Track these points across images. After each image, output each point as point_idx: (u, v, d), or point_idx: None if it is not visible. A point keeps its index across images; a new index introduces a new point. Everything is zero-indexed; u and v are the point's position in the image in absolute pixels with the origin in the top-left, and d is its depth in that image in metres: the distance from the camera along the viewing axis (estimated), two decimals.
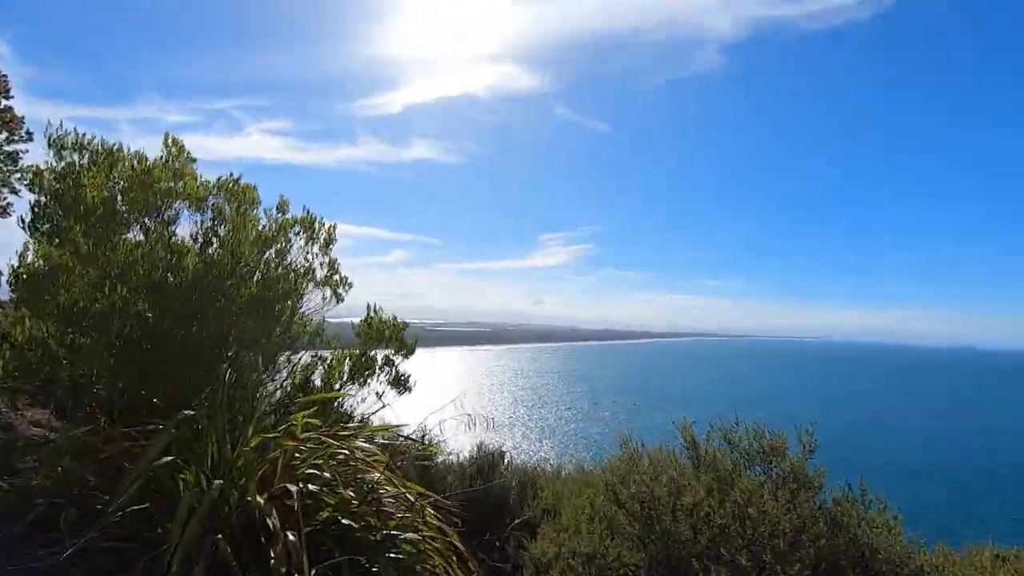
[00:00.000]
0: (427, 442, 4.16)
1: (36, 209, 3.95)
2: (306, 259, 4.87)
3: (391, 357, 5.03)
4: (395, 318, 5.06)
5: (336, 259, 5.07)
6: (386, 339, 4.98)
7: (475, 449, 5.59)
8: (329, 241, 5.01)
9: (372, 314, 5.03)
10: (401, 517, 2.50)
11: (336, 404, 4.44)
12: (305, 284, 4.78)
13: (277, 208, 4.81)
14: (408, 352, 5.10)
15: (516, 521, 4.69)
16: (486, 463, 5.43)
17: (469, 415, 3.71)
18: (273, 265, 4.57)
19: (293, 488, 2.27)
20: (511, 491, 5.27)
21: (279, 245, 4.66)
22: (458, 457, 5.58)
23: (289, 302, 4.54)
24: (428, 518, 2.66)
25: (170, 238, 4.21)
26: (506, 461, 5.80)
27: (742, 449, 4.51)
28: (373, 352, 4.92)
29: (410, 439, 3.85)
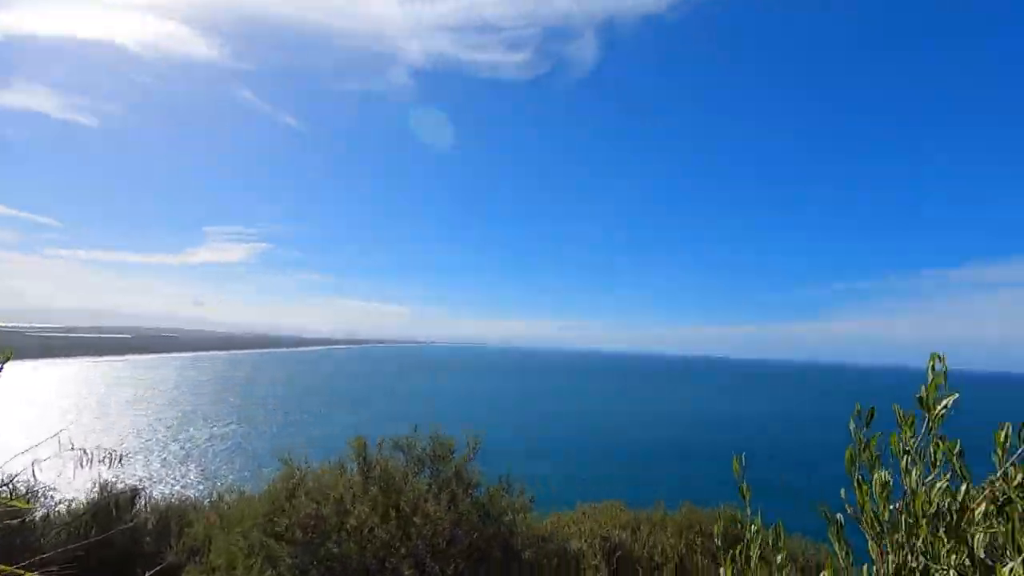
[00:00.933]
0: (13, 494, 3.05)
1: None
2: None
3: None
4: None
5: None
6: None
7: (94, 491, 4.41)
8: None
9: None
10: None
11: None
12: None
13: None
14: None
15: (156, 569, 3.86)
16: (109, 505, 4.33)
17: (84, 450, 2.87)
18: None
19: None
20: (145, 534, 4.33)
21: None
22: (69, 506, 4.30)
23: None
24: None
25: None
26: (141, 499, 4.75)
27: (415, 455, 4.78)
28: None
29: None
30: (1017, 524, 2.17)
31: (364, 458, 4.12)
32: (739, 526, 3.13)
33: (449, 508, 3.44)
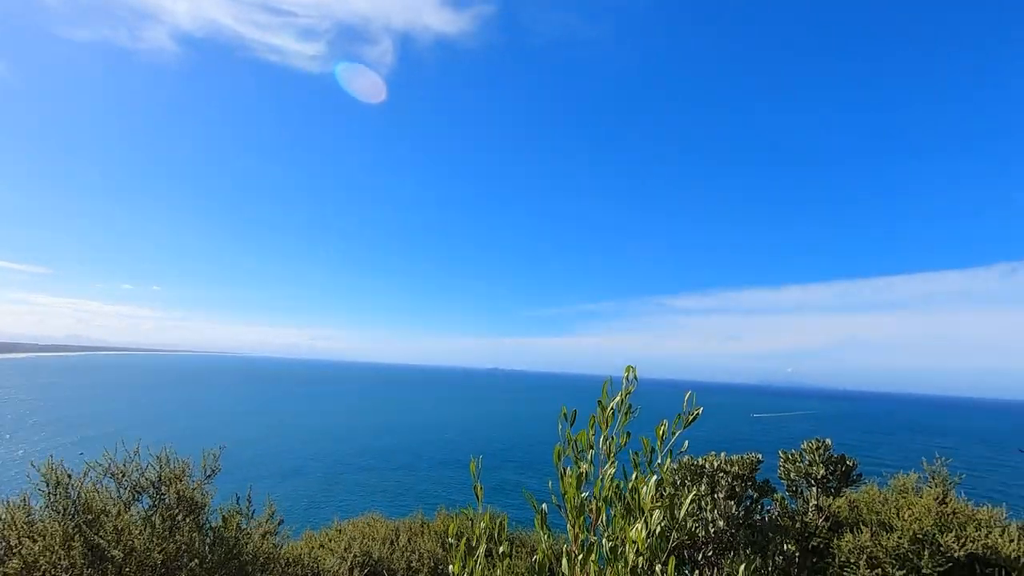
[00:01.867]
0: None
1: None
2: None
3: None
4: None
5: None
6: None
7: None
8: None
9: None
10: None
11: None
12: None
13: None
14: None
15: None
16: None
17: None
18: None
19: None
20: None
21: None
22: None
23: None
24: None
25: None
26: None
27: (131, 482, 4.10)
28: None
29: None
30: (650, 500, 2.83)
31: (57, 488, 3.41)
32: (471, 524, 3.44)
33: (168, 538, 3.04)
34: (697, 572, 5.10)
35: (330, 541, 7.71)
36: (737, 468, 6.41)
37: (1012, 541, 5.28)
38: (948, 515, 5.42)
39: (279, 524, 4.83)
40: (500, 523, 3.03)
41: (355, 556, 7.38)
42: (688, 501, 2.90)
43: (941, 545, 4.90)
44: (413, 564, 8.25)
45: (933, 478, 6.64)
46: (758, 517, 6.31)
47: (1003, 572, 5.09)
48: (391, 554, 8.40)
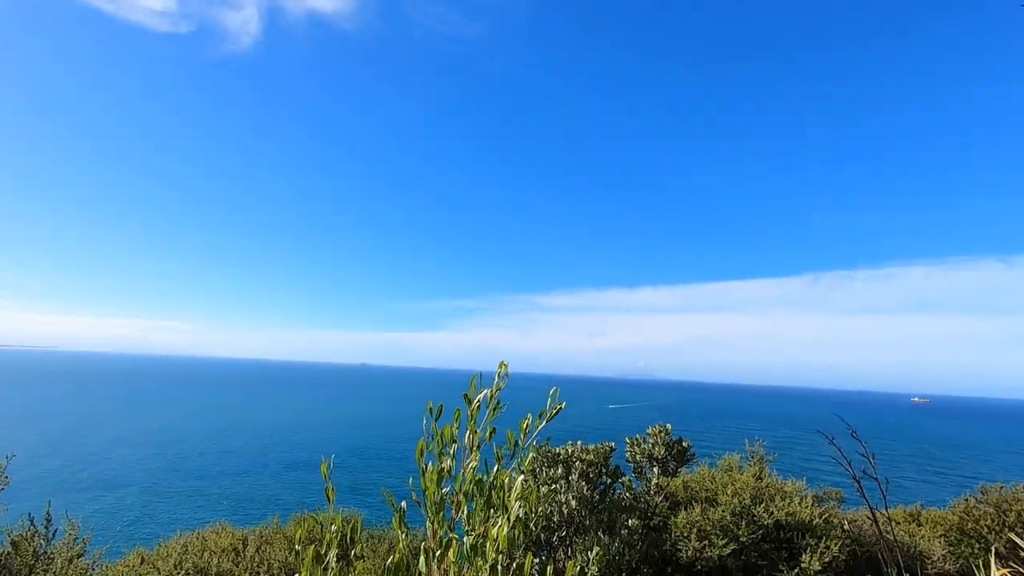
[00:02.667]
0: None
1: None
2: None
3: None
4: None
5: None
6: None
7: None
8: None
9: None
10: None
11: None
12: None
13: None
14: None
15: None
16: None
17: None
18: None
19: None
20: None
21: None
22: None
23: None
24: None
25: None
26: None
27: None
28: None
29: None
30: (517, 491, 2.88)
31: None
32: (321, 528, 3.23)
33: None
34: (547, 554, 5.33)
35: (159, 559, 6.84)
36: (592, 456, 6.82)
37: (807, 508, 6.27)
38: (763, 489, 6.28)
39: (86, 545, 4.16)
40: (353, 525, 2.86)
41: (188, 571, 6.61)
42: (541, 489, 2.98)
43: (755, 515, 5.64)
44: (261, 575, 7.63)
45: (752, 457, 7.65)
46: (608, 499, 6.78)
47: (799, 533, 6.00)
48: (236, 566, 7.68)
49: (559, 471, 5.73)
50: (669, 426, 6.31)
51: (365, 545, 6.78)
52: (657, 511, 5.91)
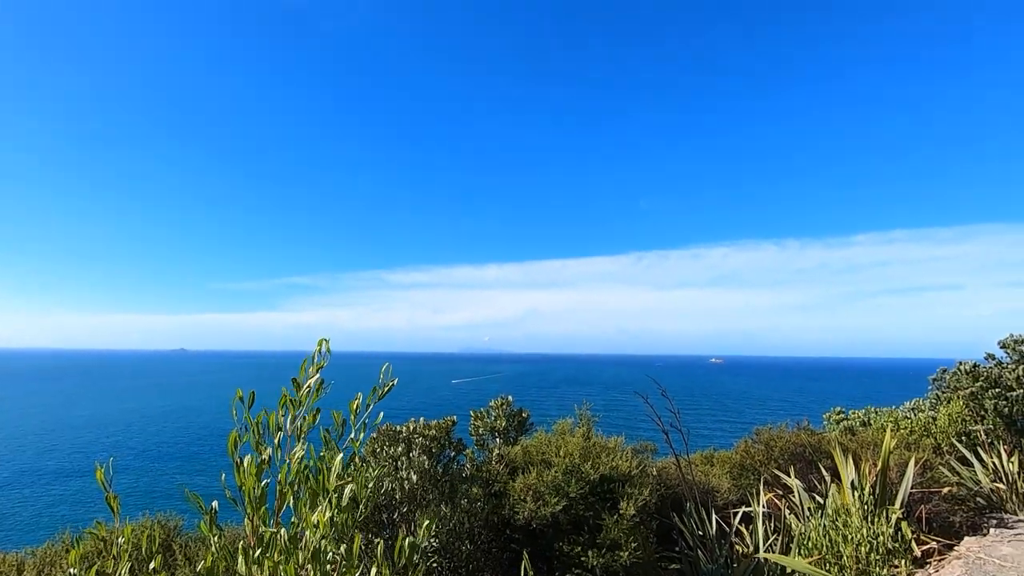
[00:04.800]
0: None
1: None
2: None
3: None
4: None
5: None
6: None
7: None
8: None
9: None
10: None
11: None
12: None
13: None
14: None
15: None
16: None
17: None
18: None
19: None
20: None
21: None
22: None
23: None
24: None
25: None
26: None
27: None
28: None
29: None
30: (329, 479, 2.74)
31: None
32: (104, 543, 2.75)
33: None
34: (390, 532, 5.27)
35: None
36: (434, 431, 6.85)
37: (627, 461, 7.02)
38: (590, 448, 6.87)
39: None
40: (149, 534, 2.48)
41: None
42: (373, 467, 2.88)
43: (583, 472, 6.15)
44: None
45: (581, 419, 8.31)
46: (449, 472, 6.89)
47: (620, 484, 6.70)
48: None
49: (399, 448, 5.65)
50: (511, 398, 6.58)
51: (180, 553, 6.03)
52: (498, 478, 6.15)
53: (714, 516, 5.96)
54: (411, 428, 5.88)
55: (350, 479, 2.78)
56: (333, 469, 2.70)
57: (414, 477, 5.32)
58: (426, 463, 5.55)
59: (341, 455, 2.61)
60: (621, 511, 5.95)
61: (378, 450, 5.61)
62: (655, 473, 8.04)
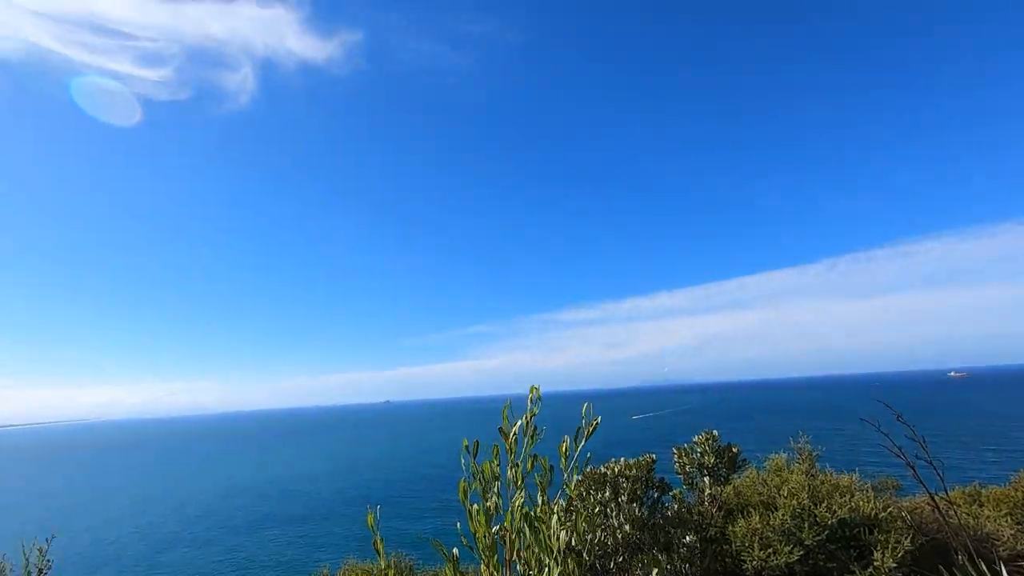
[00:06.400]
0: None
1: None
2: None
3: None
4: None
5: None
6: None
7: None
8: None
9: None
10: None
11: None
12: None
13: None
14: None
15: None
16: None
17: None
18: None
19: None
20: None
21: None
22: None
23: None
24: None
25: None
26: None
27: None
28: None
29: None
30: (575, 523, 2.69)
31: None
32: None
33: None
34: None
35: None
36: (635, 471, 6.55)
37: (869, 501, 5.93)
38: (818, 487, 5.96)
39: None
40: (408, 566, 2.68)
41: None
42: (590, 513, 2.78)
43: (817, 516, 5.33)
44: None
45: (800, 454, 7.31)
46: (659, 516, 6.49)
47: (866, 530, 5.66)
48: None
49: (607, 493, 5.47)
50: (716, 432, 6.03)
51: None
52: (712, 522, 5.61)
53: (1002, 569, 4.68)
54: (615, 470, 5.68)
55: (567, 527, 2.72)
56: (553, 519, 2.67)
57: (627, 527, 5.09)
58: (636, 510, 5.29)
59: (565, 503, 2.57)
60: (876, 563, 4.98)
61: (584, 494, 5.51)
62: (907, 516, 6.67)
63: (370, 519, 2.90)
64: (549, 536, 2.59)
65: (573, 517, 2.66)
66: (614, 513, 5.65)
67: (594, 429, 2.73)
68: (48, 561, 4.79)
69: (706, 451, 5.96)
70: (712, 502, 5.83)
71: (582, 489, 5.59)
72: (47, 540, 4.92)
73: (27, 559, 4.75)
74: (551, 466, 3.01)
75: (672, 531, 5.75)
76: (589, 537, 5.06)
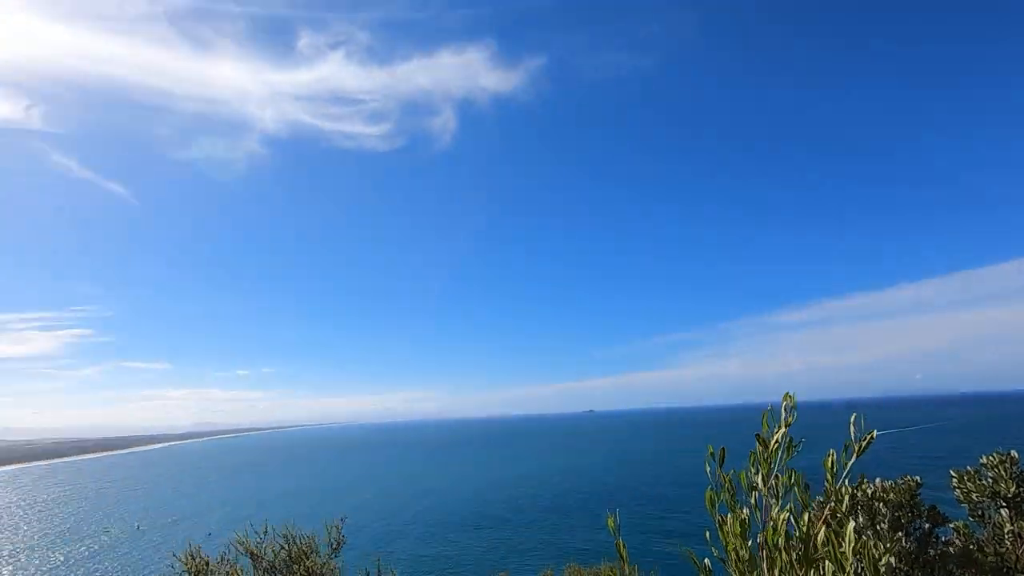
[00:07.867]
0: None
1: None
2: None
3: None
4: None
5: None
6: None
7: None
8: None
9: None
10: None
11: None
12: None
13: None
14: None
15: None
16: None
17: None
18: None
19: None
20: None
21: None
22: None
23: None
24: None
25: None
26: None
27: (265, 563, 4.12)
28: None
29: None
30: (849, 540, 2.42)
31: (198, 570, 3.46)
32: None
33: None
34: None
35: None
36: (894, 495, 5.58)
37: None
38: None
39: None
40: None
41: None
42: (851, 539, 2.48)
43: None
44: None
45: None
46: (932, 551, 5.42)
47: None
48: None
49: (860, 518, 4.77)
50: (1015, 453, 4.79)
51: None
52: (1018, 567, 4.49)
53: None
54: (868, 491, 4.93)
55: (829, 551, 2.45)
56: (847, 541, 2.44)
57: (892, 560, 4.38)
58: (903, 540, 4.51)
59: (852, 524, 2.33)
60: None
61: (840, 517, 4.87)
62: None
63: (610, 523, 2.98)
64: (840, 555, 2.37)
65: (863, 540, 2.40)
66: (872, 544, 4.89)
67: (868, 443, 2.43)
68: (342, 537, 5.98)
69: (1001, 476, 4.74)
70: (1018, 540, 4.67)
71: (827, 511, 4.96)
72: (340, 519, 6.13)
73: (329, 533, 5.95)
74: (806, 483, 2.77)
75: (956, 571, 4.78)
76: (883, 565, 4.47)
